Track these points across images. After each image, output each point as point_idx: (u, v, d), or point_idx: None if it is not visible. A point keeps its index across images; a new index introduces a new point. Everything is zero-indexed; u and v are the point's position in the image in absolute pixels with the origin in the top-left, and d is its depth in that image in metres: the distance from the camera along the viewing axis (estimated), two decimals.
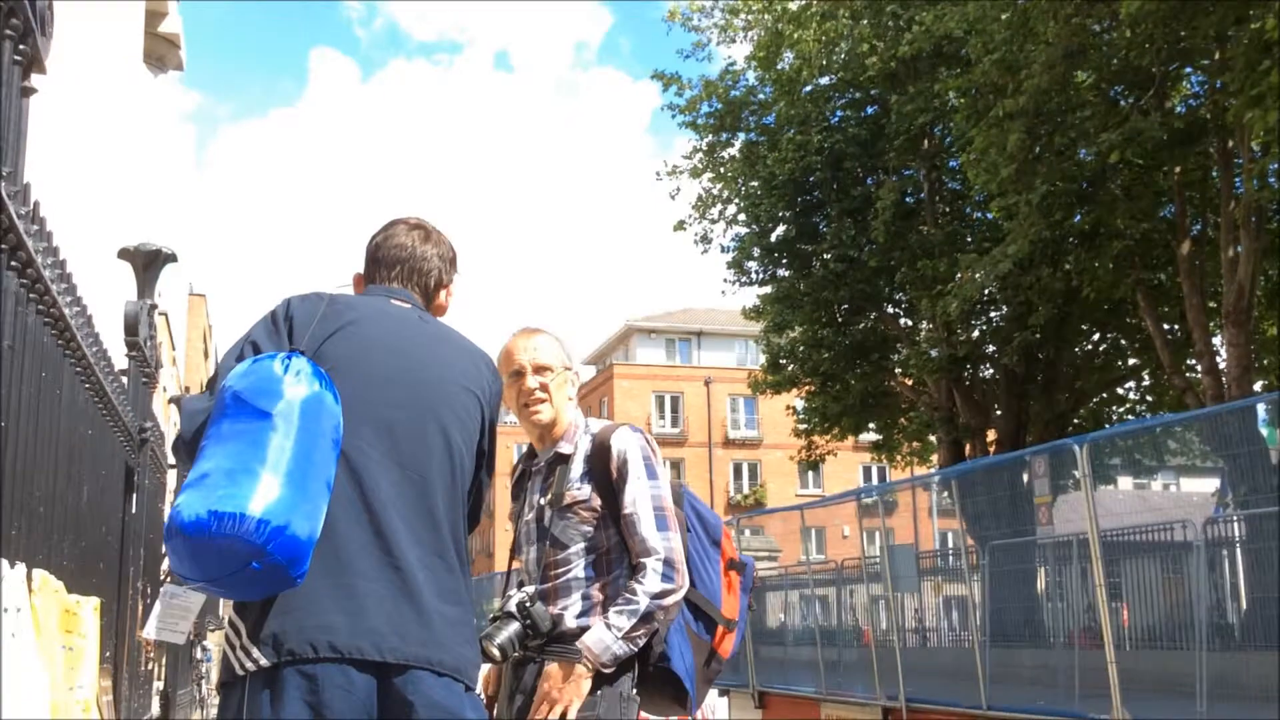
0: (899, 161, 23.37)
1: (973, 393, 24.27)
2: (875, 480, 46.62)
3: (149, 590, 8.07)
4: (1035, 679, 13.19)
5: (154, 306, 8.24)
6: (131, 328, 7.49)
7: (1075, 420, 24.08)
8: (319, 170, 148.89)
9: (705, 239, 27.00)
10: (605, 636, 3.38)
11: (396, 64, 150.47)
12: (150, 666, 10.11)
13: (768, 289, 26.29)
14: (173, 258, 8.72)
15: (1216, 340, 18.23)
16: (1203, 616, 10.95)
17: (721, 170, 26.26)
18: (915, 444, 28.51)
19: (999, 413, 24.01)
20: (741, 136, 26.18)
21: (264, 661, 2.48)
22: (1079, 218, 18.56)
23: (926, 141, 23.54)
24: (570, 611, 3.50)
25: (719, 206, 26.68)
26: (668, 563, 3.46)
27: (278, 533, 2.32)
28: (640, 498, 3.54)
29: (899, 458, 29.04)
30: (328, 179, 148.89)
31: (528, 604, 3.45)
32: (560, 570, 3.56)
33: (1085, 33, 16.70)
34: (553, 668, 3.38)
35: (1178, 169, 17.63)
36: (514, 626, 3.43)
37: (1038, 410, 23.48)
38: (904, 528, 17.33)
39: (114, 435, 6.29)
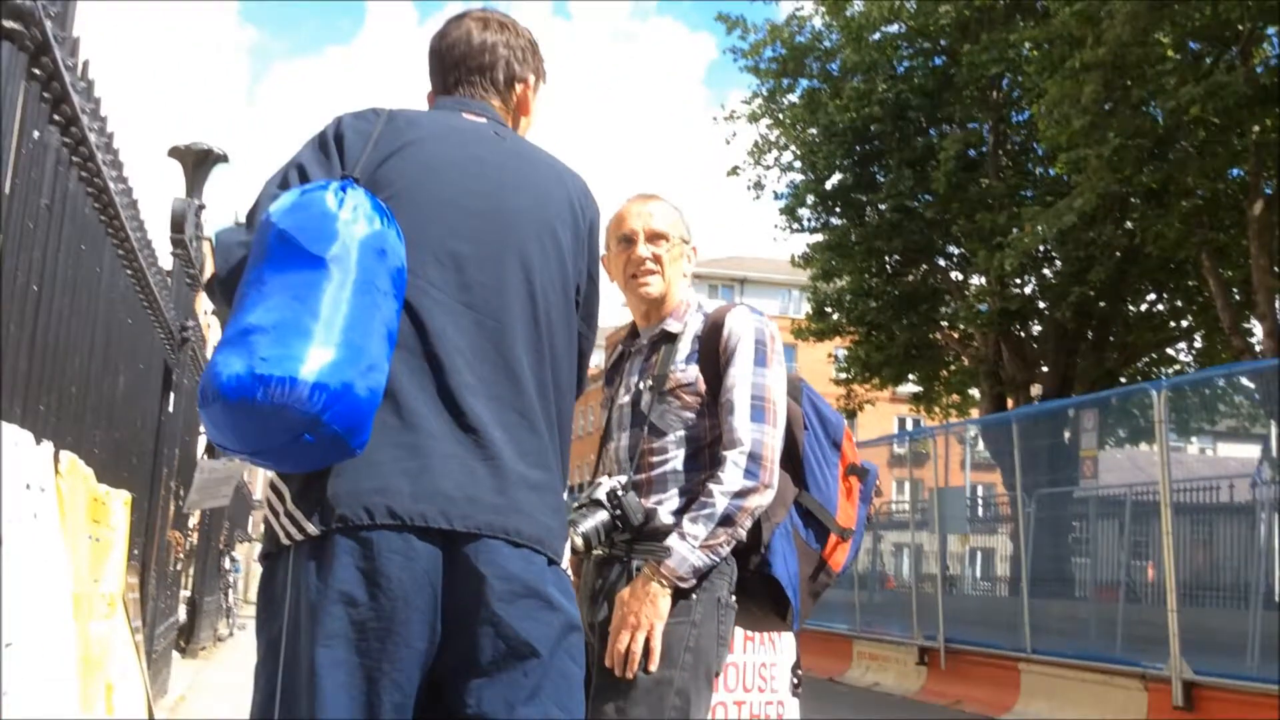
0: (965, 113, 22.88)
1: (1021, 347, 24.00)
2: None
3: (181, 491, 7.93)
4: (1077, 630, 13.12)
5: (202, 206, 8.06)
6: (178, 225, 7.30)
7: (1121, 379, 23.69)
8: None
9: (759, 185, 26.66)
10: (680, 547, 2.99)
11: (453, 8, 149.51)
12: (178, 568, 10.02)
13: (819, 237, 25.91)
14: (223, 158, 8.54)
15: (1278, 304, 17.83)
16: (1261, 575, 10.84)
17: (780, 117, 25.74)
18: (955, 397, 28.22)
19: (1045, 369, 23.71)
20: (803, 83, 25.66)
21: (311, 530, 2.13)
22: (1148, 174, 18.10)
23: (995, 93, 23.11)
24: (665, 507, 3.11)
25: (775, 153, 26.26)
26: (752, 456, 3.04)
27: (335, 399, 1.97)
28: (740, 383, 3.13)
29: (937, 410, 28.66)
30: None
31: (619, 492, 3.07)
32: (656, 460, 3.17)
33: None
34: (624, 591, 3.03)
35: (1255, 128, 17.13)
36: (601, 515, 3.05)
37: (1085, 367, 23.14)
38: (940, 477, 17.19)
39: (154, 329, 6.13)
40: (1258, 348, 18.36)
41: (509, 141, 2.50)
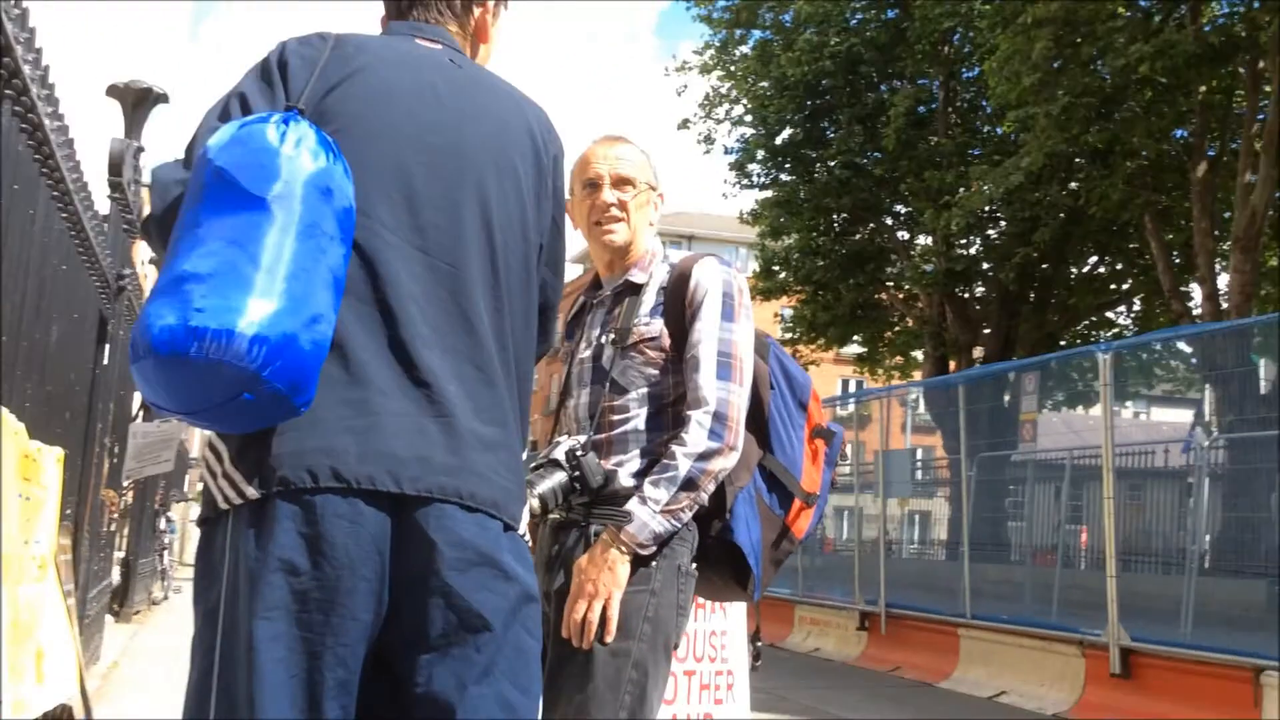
0: (916, 69, 22.90)
1: (964, 308, 24.21)
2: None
3: (116, 448, 7.71)
4: (1016, 595, 13.20)
5: (141, 149, 7.80)
6: (115, 167, 7.05)
7: (1062, 342, 24.06)
8: None
9: (709, 139, 26.64)
10: (641, 512, 2.87)
11: None
12: (112, 528, 9.79)
13: (768, 193, 25.91)
14: (164, 98, 8.29)
15: (1218, 267, 18.15)
16: (1196, 541, 10.93)
17: (732, 69, 25.64)
18: (899, 358, 28.50)
19: (987, 331, 23.98)
20: (756, 35, 25.52)
21: (251, 493, 1.98)
22: (1094, 134, 18.20)
23: (947, 48, 23.11)
24: (626, 469, 2.98)
25: (726, 106, 26.22)
26: (718, 417, 2.92)
27: (276, 353, 1.82)
28: (706, 339, 2.99)
29: (880, 372, 28.92)
30: None
31: (579, 452, 2.94)
32: (617, 419, 3.03)
33: None
34: (583, 559, 2.90)
35: (1201, 89, 17.32)
36: (559, 476, 2.91)
37: (1026, 330, 23.44)
38: (882, 441, 17.26)
39: (89, 278, 5.92)
40: (1196, 311, 18.64)
41: (467, 69, 2.33)
